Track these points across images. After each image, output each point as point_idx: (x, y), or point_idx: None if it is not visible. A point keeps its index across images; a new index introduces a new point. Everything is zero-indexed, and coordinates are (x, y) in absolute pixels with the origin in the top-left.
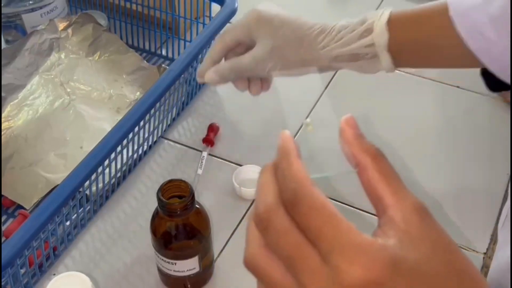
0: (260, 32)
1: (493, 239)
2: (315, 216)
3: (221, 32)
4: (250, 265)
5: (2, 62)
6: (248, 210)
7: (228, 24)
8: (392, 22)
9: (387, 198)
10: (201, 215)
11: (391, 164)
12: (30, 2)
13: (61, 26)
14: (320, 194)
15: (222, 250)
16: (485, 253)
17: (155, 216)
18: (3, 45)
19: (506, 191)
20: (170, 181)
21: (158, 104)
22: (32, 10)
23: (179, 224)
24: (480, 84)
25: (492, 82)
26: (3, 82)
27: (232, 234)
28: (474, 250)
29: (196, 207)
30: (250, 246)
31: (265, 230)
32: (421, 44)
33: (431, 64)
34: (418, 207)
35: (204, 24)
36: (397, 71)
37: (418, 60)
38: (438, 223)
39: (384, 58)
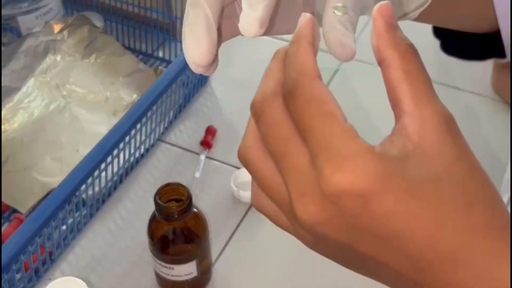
0: None
1: None
2: (310, 111)
3: None
4: (242, 158)
5: None
6: (246, 213)
7: None
8: None
9: (406, 102)
10: (199, 219)
11: (424, 66)
12: (26, 4)
13: (57, 28)
14: (322, 87)
15: (220, 254)
16: None
17: (153, 220)
18: None
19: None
20: (168, 184)
21: (155, 107)
22: (28, 12)
23: (177, 228)
24: (480, 85)
25: (453, 44)
26: None
27: (231, 237)
28: None
29: (194, 211)
30: (245, 138)
31: (258, 122)
32: None
33: (450, 20)
34: (442, 117)
35: None
36: None
37: (442, 12)
38: (465, 142)
39: None
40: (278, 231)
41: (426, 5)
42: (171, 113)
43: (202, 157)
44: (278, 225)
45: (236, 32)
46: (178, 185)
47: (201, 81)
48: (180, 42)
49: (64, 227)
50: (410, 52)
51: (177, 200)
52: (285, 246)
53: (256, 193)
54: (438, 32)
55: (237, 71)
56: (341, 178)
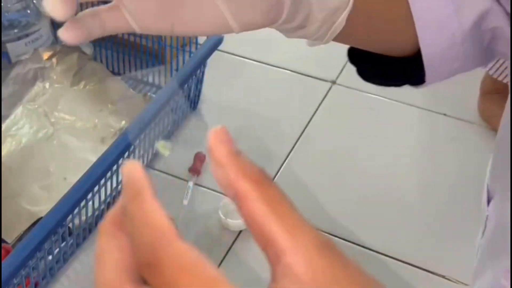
0: None
1: None
2: (185, 281)
3: None
4: None
5: None
6: (234, 241)
7: None
8: None
9: (282, 239)
10: None
11: (281, 190)
12: (15, 30)
13: (46, 55)
14: (191, 251)
15: None
16: None
17: None
18: None
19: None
20: None
21: (143, 134)
22: (18, 39)
23: None
24: (467, 111)
25: (367, 70)
26: None
27: (218, 266)
28: (462, 283)
29: None
30: None
31: None
32: (375, 16)
33: (373, 42)
34: (325, 244)
35: (190, 52)
36: (384, 98)
37: (365, 33)
38: (349, 260)
39: None
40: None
41: (347, 9)
42: (160, 140)
43: (191, 184)
44: None
45: (122, 26)
46: None
47: (190, 106)
48: (170, 68)
49: (50, 257)
50: (264, 178)
51: None
52: None
53: None
54: (353, 58)
55: (226, 97)
56: None
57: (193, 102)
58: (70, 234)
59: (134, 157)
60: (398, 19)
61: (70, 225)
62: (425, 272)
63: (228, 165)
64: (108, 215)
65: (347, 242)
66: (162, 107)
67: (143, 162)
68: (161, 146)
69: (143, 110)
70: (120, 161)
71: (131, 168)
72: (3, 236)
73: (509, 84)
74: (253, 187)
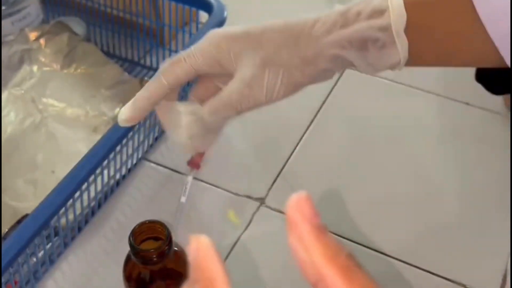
0: (236, 50)
1: (505, 279)
2: None
3: (163, 67)
4: None
5: None
6: (238, 240)
7: (168, 60)
8: (405, 2)
9: None
10: (181, 259)
11: (370, 277)
12: (4, 7)
13: (33, 36)
14: None
15: None
16: None
17: (128, 261)
18: None
19: None
20: (143, 223)
21: (139, 124)
22: (3, 17)
23: (155, 272)
24: (490, 101)
25: (494, 84)
26: None
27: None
28: None
29: (175, 249)
30: None
31: None
32: (439, 30)
33: (446, 59)
34: None
35: (190, 33)
36: (400, 84)
37: (432, 50)
38: None
39: (402, 44)
40: (272, 259)
41: (399, 67)
42: (157, 129)
43: (190, 178)
44: None
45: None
46: (156, 222)
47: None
48: (168, 49)
49: (34, 259)
50: (353, 264)
51: (156, 238)
52: (281, 272)
53: None
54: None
55: None
56: None
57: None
58: (57, 234)
59: (128, 148)
60: (464, 28)
61: (58, 224)
62: (444, 280)
63: (313, 245)
64: None
65: (363, 247)
66: None
67: (137, 154)
68: (232, 215)
69: None
70: (114, 153)
71: (202, 248)
72: None
73: None
74: (341, 275)
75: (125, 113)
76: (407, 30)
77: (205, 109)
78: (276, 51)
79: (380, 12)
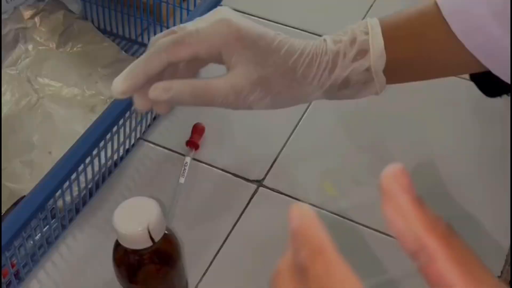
0: (243, 56)
1: (508, 260)
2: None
3: (164, 44)
4: None
5: None
6: (236, 223)
7: (163, 33)
8: (386, 39)
9: None
10: (171, 242)
11: (468, 246)
12: None
13: (27, 14)
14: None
15: (206, 272)
16: (499, 276)
17: (117, 247)
18: None
19: None
20: None
21: None
22: None
23: (144, 255)
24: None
25: (488, 87)
26: None
27: (218, 251)
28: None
29: (165, 233)
30: None
31: None
32: (418, 60)
33: (426, 77)
34: None
35: (188, 10)
36: None
37: (412, 76)
38: None
39: (380, 81)
40: (272, 242)
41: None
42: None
43: (188, 159)
44: None
45: None
46: None
47: None
48: (166, 27)
49: (31, 242)
50: (453, 234)
51: None
52: (280, 253)
53: None
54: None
55: None
56: None
57: None
58: (54, 216)
59: (126, 128)
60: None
61: (55, 205)
62: None
63: (413, 215)
64: (281, 270)
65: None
66: None
67: (135, 134)
68: (328, 186)
69: None
70: (112, 132)
71: (304, 216)
72: None
73: None
74: (442, 243)
75: (121, 85)
76: (387, 65)
77: (186, 90)
78: (276, 77)
79: (362, 53)
